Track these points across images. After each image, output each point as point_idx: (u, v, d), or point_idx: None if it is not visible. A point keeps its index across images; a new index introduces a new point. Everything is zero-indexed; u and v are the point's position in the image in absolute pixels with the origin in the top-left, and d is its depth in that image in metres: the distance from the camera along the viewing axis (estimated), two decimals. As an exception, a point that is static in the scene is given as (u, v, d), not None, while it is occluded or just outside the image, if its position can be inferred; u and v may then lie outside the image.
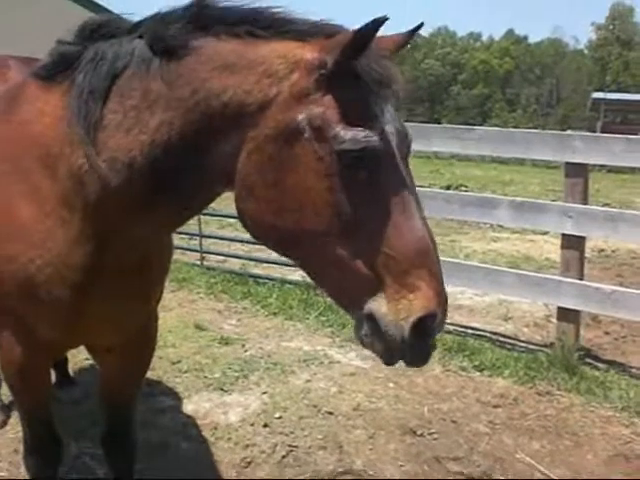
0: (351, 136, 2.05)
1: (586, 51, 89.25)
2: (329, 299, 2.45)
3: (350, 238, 2.09)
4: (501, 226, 12.59)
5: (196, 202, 2.52)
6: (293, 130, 2.12)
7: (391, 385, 5.90)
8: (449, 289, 6.81)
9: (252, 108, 2.18)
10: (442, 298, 2.15)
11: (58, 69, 2.55)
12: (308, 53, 2.14)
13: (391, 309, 2.09)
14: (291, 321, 7.48)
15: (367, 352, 6.40)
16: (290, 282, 8.51)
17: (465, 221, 12.33)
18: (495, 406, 5.58)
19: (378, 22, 1.98)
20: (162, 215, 2.51)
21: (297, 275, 8.57)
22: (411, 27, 2.40)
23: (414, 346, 2.11)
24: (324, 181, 2.08)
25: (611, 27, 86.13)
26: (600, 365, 6.43)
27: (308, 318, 7.50)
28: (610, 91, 52.03)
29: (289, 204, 2.14)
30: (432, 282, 2.11)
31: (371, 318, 2.13)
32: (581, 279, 6.54)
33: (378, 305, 2.10)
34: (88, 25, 2.56)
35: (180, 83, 2.28)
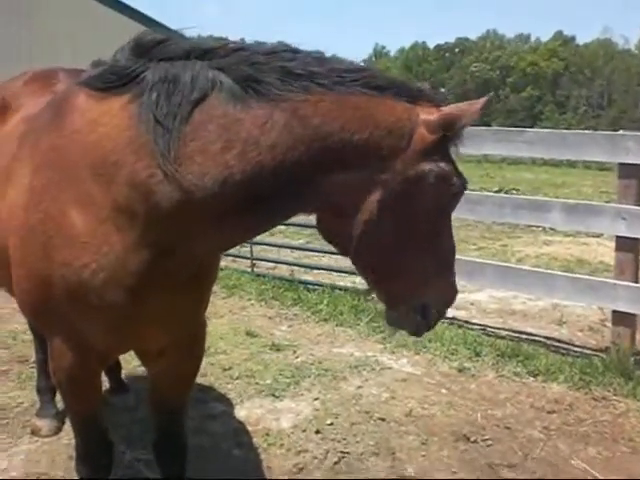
0: (459, 184, 2.54)
1: (636, 51, 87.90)
2: (381, 301, 2.81)
3: (435, 257, 2.63)
4: (553, 229, 12.45)
5: (277, 221, 2.72)
6: (423, 178, 2.45)
7: (444, 391, 5.86)
8: (501, 294, 6.73)
9: (386, 153, 2.41)
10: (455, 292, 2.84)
11: (116, 82, 2.57)
12: (429, 116, 2.45)
13: (435, 304, 2.78)
14: (342, 327, 7.47)
15: (418, 358, 6.37)
16: (340, 288, 8.50)
17: (517, 225, 12.22)
18: (550, 412, 5.49)
19: (485, 103, 2.48)
20: (239, 232, 2.59)
21: (347, 282, 8.57)
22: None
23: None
24: (441, 218, 2.60)
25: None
26: (657, 370, 6.30)
27: (359, 324, 7.48)
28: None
29: (408, 240, 2.53)
30: (453, 290, 2.81)
31: (425, 309, 2.75)
32: (636, 282, 6.42)
33: (432, 299, 2.74)
34: (146, 42, 2.59)
35: (307, 114, 2.38)
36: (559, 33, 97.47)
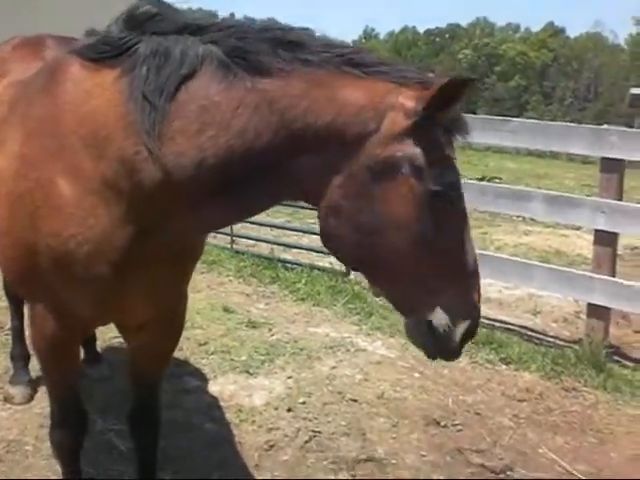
0: (440, 174, 2.31)
1: (625, 46, 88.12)
2: (388, 299, 2.61)
3: (425, 257, 2.34)
4: (534, 220, 12.51)
5: (255, 209, 2.61)
6: (391, 165, 2.28)
7: (416, 375, 5.90)
8: (478, 281, 6.53)
9: (350, 138, 2.30)
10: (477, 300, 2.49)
11: (108, 53, 2.56)
12: (407, 99, 2.30)
13: (450, 317, 2.41)
14: (318, 307, 7.50)
15: (393, 341, 6.40)
16: (319, 268, 8.51)
17: (498, 213, 12.26)
18: (520, 400, 5.55)
19: (467, 81, 2.26)
20: (216, 216, 2.56)
21: (326, 262, 8.57)
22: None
23: (456, 345, 2.46)
24: (413, 211, 2.28)
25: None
26: (628, 363, 6.36)
27: (335, 305, 7.51)
28: (650, 87, 51.37)
29: (376, 229, 2.31)
30: (477, 297, 2.48)
31: (431, 324, 2.42)
32: (613, 276, 6.48)
33: (439, 314, 2.41)
34: (140, 14, 2.59)
35: (275, 97, 2.34)
36: (550, 24, 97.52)
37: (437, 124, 2.32)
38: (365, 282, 7.84)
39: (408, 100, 2.30)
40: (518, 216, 12.63)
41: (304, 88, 2.33)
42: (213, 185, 2.41)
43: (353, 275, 8.12)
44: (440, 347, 2.47)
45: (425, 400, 5.46)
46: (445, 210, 2.34)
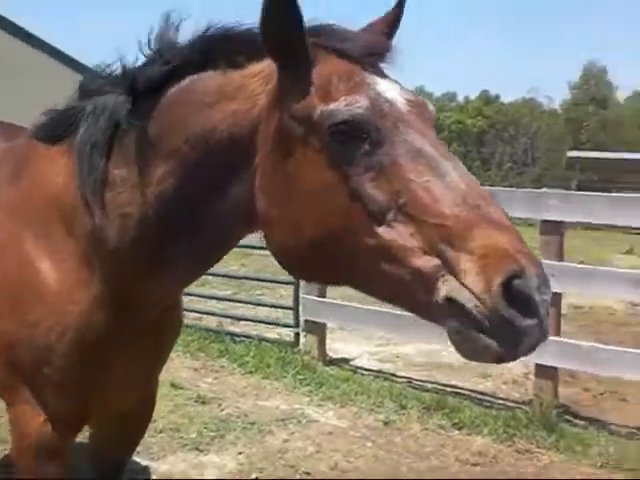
0: (333, 108, 1.94)
1: (560, 111, 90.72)
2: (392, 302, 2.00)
3: (385, 223, 1.86)
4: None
5: (215, 249, 2.42)
6: (285, 135, 2.03)
7: (369, 444, 5.84)
8: (428, 347, 6.70)
9: (244, 135, 2.13)
10: (520, 247, 1.73)
11: (61, 127, 2.54)
12: (264, 65, 2.15)
13: (470, 283, 1.70)
14: (268, 380, 7.41)
15: (344, 410, 6.32)
16: (267, 340, 8.44)
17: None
18: (474, 464, 5.53)
19: None
20: (181, 268, 2.42)
21: (274, 333, 8.53)
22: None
23: (518, 319, 1.71)
24: (333, 171, 1.93)
25: (585, 87, 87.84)
26: (579, 422, 6.41)
27: (285, 377, 7.43)
28: (586, 149, 52.75)
29: (312, 212, 1.97)
30: (501, 234, 1.74)
31: (452, 301, 1.74)
32: (559, 336, 6.55)
33: (452, 285, 1.74)
34: (89, 82, 2.56)
35: (168, 130, 2.28)
36: (484, 92, 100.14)
37: (333, 58, 2.06)
38: (314, 352, 7.82)
39: (263, 66, 2.15)
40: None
41: (191, 110, 2.23)
42: (166, 235, 2.32)
43: (302, 346, 8.08)
44: (489, 327, 1.70)
45: (379, 469, 5.39)
46: (382, 152, 1.90)
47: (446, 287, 1.75)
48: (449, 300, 1.74)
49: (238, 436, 5.91)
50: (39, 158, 2.62)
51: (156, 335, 2.72)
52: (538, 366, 6.60)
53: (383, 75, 2.09)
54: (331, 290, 8.06)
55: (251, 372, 7.64)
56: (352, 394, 6.83)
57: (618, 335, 9.89)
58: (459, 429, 6.19)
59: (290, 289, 8.75)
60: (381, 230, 1.87)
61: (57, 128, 2.56)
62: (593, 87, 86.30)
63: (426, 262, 1.79)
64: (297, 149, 2.01)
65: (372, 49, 2.09)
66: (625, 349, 6.34)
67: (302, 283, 7.91)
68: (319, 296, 8.01)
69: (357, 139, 1.91)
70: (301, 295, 8.17)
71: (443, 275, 1.76)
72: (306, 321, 8.12)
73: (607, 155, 43.56)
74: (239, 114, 2.15)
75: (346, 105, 1.93)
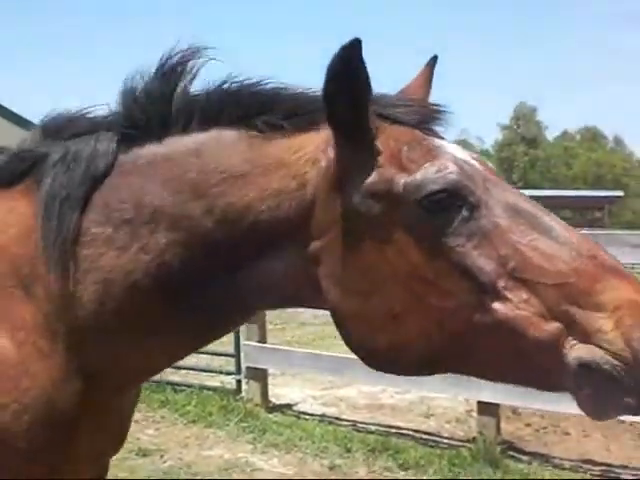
0: (421, 178, 1.77)
1: (492, 151, 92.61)
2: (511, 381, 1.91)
3: (497, 295, 1.69)
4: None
5: (223, 324, 2.16)
6: (357, 217, 1.82)
7: (315, 490, 5.78)
8: (371, 388, 6.68)
9: (291, 218, 1.89)
10: None
11: (16, 172, 2.18)
12: (304, 141, 1.93)
13: (606, 340, 1.59)
14: (211, 429, 7.31)
15: (289, 457, 6.24)
16: (209, 388, 8.34)
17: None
18: (422, 506, 5.50)
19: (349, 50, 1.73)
20: (174, 342, 2.12)
21: (216, 381, 8.43)
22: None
23: None
24: (430, 247, 1.75)
25: (515, 127, 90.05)
26: (523, 457, 6.45)
27: (228, 425, 7.33)
28: (518, 188, 53.97)
29: (407, 301, 1.77)
30: (625, 283, 1.64)
31: (585, 366, 1.62)
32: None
33: (583, 348, 1.62)
34: (52, 123, 2.23)
35: (176, 194, 1.98)
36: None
37: (392, 128, 1.89)
38: (257, 399, 7.75)
39: (325, 142, 1.91)
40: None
41: (217, 179, 1.96)
42: (161, 307, 2.01)
43: (244, 393, 8.00)
44: (630, 384, 1.58)
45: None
46: (481, 215, 1.74)
47: (576, 352, 1.63)
48: (581, 366, 1.62)
49: (182, 488, 5.80)
50: None
51: (123, 408, 2.43)
52: (480, 403, 6.64)
53: (441, 137, 1.95)
54: (272, 336, 8.01)
55: (193, 421, 7.53)
56: (296, 440, 6.76)
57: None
58: (405, 470, 6.17)
59: (231, 336, 8.68)
60: (495, 304, 1.69)
61: (10, 173, 2.20)
62: (523, 127, 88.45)
63: (548, 328, 1.65)
64: (376, 231, 1.80)
65: (426, 113, 1.95)
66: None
67: (242, 328, 7.85)
68: (260, 341, 7.97)
69: (453, 207, 1.74)
70: (242, 342, 8.12)
71: (568, 339, 1.64)
72: (248, 368, 8.06)
73: (538, 193, 44.59)
74: (285, 195, 1.89)
75: (437, 172, 1.76)
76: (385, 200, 1.80)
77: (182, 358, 2.31)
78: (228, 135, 2.00)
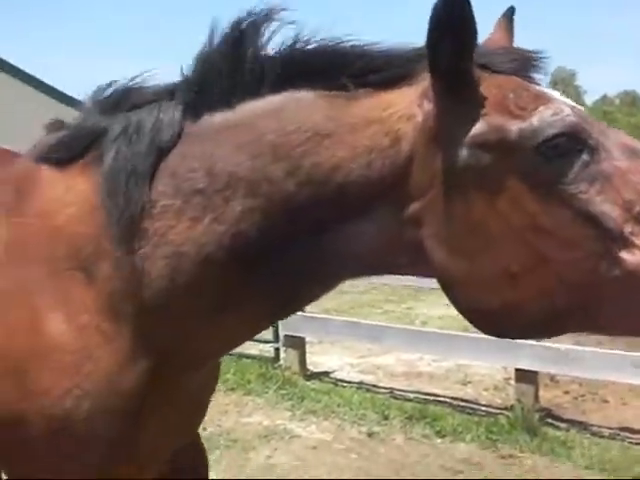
0: (537, 123, 1.67)
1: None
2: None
3: (624, 242, 1.62)
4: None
5: (301, 293, 2.03)
6: (464, 170, 1.71)
7: (353, 456, 5.83)
8: (408, 356, 6.70)
9: (385, 177, 1.78)
10: None
11: (73, 149, 2.11)
12: (417, 96, 1.80)
13: None
14: (250, 396, 7.38)
15: (327, 423, 6.31)
16: (248, 356, 8.40)
17: (420, 287, 12.38)
18: (459, 472, 5.53)
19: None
20: (250, 315, 2.02)
21: (255, 349, 8.49)
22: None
23: None
24: (551, 196, 1.65)
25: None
26: (561, 425, 6.44)
27: (267, 392, 7.41)
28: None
29: (527, 257, 1.67)
30: None
31: None
32: (537, 340, 6.58)
33: None
34: (109, 96, 2.14)
35: (253, 159, 1.87)
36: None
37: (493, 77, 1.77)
38: (295, 367, 7.80)
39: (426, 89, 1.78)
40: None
41: (300, 139, 1.85)
42: (237, 279, 1.92)
43: (283, 361, 8.06)
44: None
45: (364, 481, 5.38)
46: (601, 157, 1.66)
47: None
48: None
49: (222, 454, 5.87)
50: (47, 185, 2.12)
51: (198, 391, 2.33)
52: (518, 371, 6.62)
53: (540, 84, 1.86)
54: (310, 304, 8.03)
55: (232, 389, 7.60)
56: (334, 407, 6.81)
57: (596, 336, 9.93)
58: (442, 437, 6.19)
59: (268, 304, 8.73)
60: (623, 251, 1.61)
61: (69, 150, 2.12)
62: (562, 91, 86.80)
63: None
64: (486, 183, 1.69)
65: (525, 60, 1.85)
66: (603, 350, 6.37)
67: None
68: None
69: (573, 151, 1.65)
70: (280, 310, 8.15)
71: None
72: (286, 336, 8.10)
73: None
74: (377, 153, 1.78)
75: (553, 115, 1.67)
76: (496, 149, 1.69)
77: (260, 331, 2.22)
78: (307, 95, 1.89)
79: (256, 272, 1.90)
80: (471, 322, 1.85)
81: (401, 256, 1.85)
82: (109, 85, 2.16)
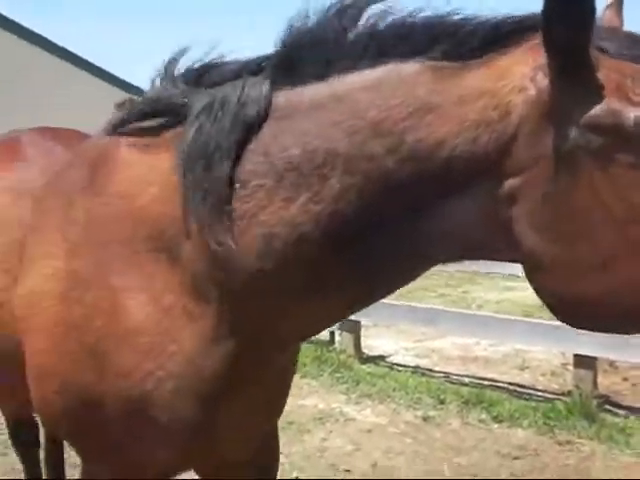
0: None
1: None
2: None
3: None
4: (514, 275, 12.54)
5: (391, 277, 1.95)
6: (572, 153, 1.61)
7: (409, 441, 5.83)
8: (463, 340, 6.66)
9: (490, 152, 1.68)
10: None
11: (154, 126, 2.08)
12: (530, 68, 1.67)
13: None
14: (305, 379, 7.41)
15: (382, 407, 6.31)
16: (303, 339, 8.45)
17: (477, 271, 12.30)
18: (515, 458, 5.49)
19: None
20: (343, 299, 1.97)
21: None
22: None
23: None
24: None
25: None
26: (620, 411, 6.33)
27: (322, 375, 7.44)
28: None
29: (630, 246, 1.59)
30: None
31: None
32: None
33: None
34: (190, 71, 2.09)
35: (362, 136, 1.78)
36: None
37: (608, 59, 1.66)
38: (350, 350, 7.82)
39: (537, 61, 1.66)
40: (497, 272, 12.67)
41: (402, 114, 1.75)
42: (332, 261, 1.85)
43: (338, 344, 8.08)
44: None
45: (419, 466, 5.38)
46: None
47: None
48: None
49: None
50: (126, 163, 2.10)
51: (280, 374, 2.34)
52: (576, 356, 6.54)
53: None
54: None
55: (288, 372, 7.65)
56: (389, 391, 6.82)
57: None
58: (499, 422, 6.15)
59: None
60: None
61: (150, 127, 2.09)
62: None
63: None
64: (593, 168, 1.60)
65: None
66: (664, 336, 6.26)
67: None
68: (353, 294, 8.01)
69: None
70: (335, 294, 8.17)
71: None
72: (341, 319, 8.11)
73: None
74: (484, 127, 1.68)
75: None
76: (610, 135, 1.58)
77: (348, 315, 2.17)
78: (409, 68, 1.77)
79: (351, 252, 1.84)
80: (557, 313, 1.78)
81: (498, 238, 1.74)
82: (176, 59, 2.12)
